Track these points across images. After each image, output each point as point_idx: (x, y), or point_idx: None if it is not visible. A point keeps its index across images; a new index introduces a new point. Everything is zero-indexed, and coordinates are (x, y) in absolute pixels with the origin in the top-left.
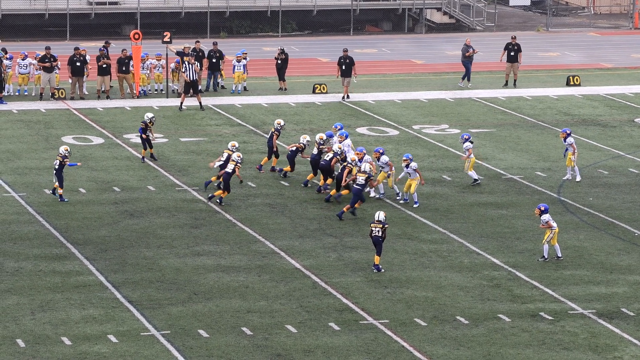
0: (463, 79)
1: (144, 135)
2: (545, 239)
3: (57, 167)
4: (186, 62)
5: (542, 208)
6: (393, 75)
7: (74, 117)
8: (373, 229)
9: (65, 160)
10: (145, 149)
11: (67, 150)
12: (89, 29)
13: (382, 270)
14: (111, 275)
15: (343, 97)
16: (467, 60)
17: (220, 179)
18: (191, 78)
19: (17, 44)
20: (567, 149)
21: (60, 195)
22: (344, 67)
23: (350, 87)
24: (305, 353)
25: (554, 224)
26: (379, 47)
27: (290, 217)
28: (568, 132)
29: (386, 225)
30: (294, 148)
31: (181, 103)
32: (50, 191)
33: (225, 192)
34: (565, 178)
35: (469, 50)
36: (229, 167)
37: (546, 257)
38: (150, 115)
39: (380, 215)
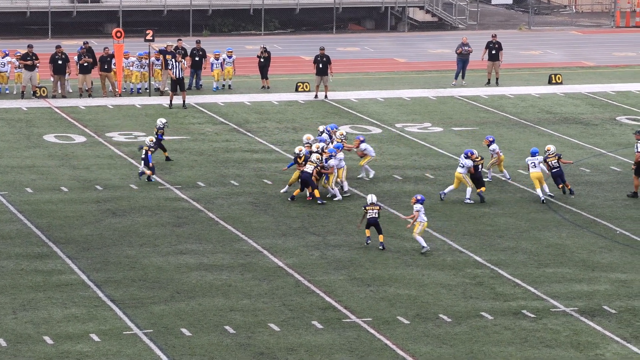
0: (456, 77)
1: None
2: (414, 231)
3: (143, 155)
4: (172, 60)
5: (418, 197)
6: (376, 74)
7: (56, 115)
8: (369, 211)
9: (151, 149)
10: (165, 150)
11: (152, 141)
12: (71, 27)
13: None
14: (93, 274)
15: (316, 96)
16: (458, 57)
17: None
18: (177, 75)
19: None
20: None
21: (149, 177)
22: (320, 66)
23: (330, 86)
24: (288, 351)
25: (424, 218)
26: (362, 45)
27: (273, 216)
28: (361, 139)
29: (381, 206)
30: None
31: (170, 101)
32: (140, 175)
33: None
34: (360, 176)
35: (460, 48)
36: (309, 168)
37: (425, 246)
38: (163, 120)
39: (373, 198)
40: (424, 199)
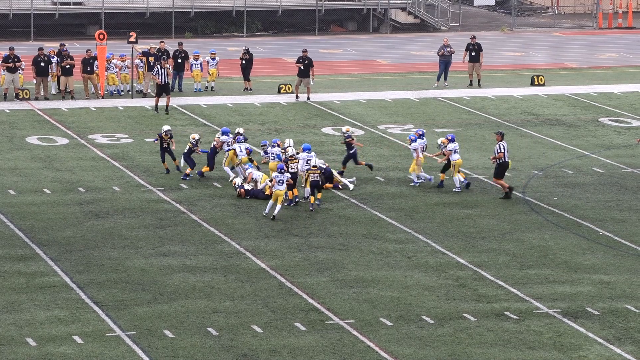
0: (438, 79)
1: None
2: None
3: (185, 151)
4: (157, 66)
5: (279, 167)
6: (358, 75)
7: (39, 117)
8: (311, 174)
9: (195, 148)
10: (174, 159)
11: (194, 138)
12: (53, 29)
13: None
14: (76, 276)
15: (296, 96)
16: (440, 59)
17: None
18: (163, 81)
19: None
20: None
21: (186, 174)
22: (302, 68)
23: (312, 87)
24: (271, 353)
25: (280, 188)
26: (344, 47)
27: (256, 217)
28: (276, 141)
29: (322, 170)
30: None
31: (156, 105)
32: (183, 176)
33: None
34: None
35: (442, 50)
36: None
37: (267, 211)
38: (166, 128)
39: (317, 161)
40: (283, 166)
